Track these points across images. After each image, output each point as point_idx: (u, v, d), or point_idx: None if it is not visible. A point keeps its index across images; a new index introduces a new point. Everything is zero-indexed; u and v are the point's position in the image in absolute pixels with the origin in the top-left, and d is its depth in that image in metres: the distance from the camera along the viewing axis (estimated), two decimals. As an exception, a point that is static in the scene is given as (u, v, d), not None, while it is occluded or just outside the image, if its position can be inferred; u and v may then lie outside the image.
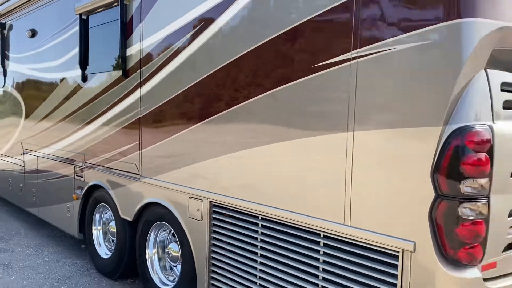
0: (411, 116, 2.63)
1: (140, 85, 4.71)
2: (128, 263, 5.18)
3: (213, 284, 4.03)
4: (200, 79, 3.97)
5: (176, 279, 4.53)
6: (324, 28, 3.07)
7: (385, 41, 2.74)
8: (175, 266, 4.62)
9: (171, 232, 4.58)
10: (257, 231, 3.61)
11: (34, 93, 7.15)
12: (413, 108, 2.63)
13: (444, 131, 2.52)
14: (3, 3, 7.84)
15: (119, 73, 5.00)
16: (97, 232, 5.76)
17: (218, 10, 3.78)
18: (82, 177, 5.79)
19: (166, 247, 4.73)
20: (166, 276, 4.75)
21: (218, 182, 3.87)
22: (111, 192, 5.23)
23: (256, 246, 3.63)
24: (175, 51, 4.23)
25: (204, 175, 4.00)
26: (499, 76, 2.66)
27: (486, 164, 2.53)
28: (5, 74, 8.09)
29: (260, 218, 3.57)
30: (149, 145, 4.63)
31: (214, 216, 3.98)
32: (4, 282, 5.20)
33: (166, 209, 4.42)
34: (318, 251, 3.18)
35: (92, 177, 5.60)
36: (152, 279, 4.77)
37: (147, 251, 4.83)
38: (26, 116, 7.32)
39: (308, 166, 3.17)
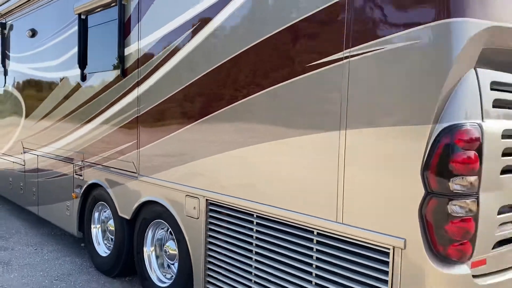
0: (402, 114, 2.67)
1: (138, 84, 4.75)
2: (126, 261, 5.22)
3: (209, 281, 4.07)
4: (195, 79, 4.02)
5: (174, 276, 4.57)
6: (317, 28, 3.10)
7: (376, 41, 2.77)
8: (173, 264, 4.66)
9: (169, 230, 4.62)
10: (252, 229, 3.65)
11: (34, 92, 7.19)
12: (403, 107, 2.67)
13: (434, 130, 2.55)
14: (3, 3, 7.89)
15: (117, 72, 5.04)
16: (96, 231, 5.80)
17: (213, 10, 3.82)
18: (81, 175, 5.84)
19: (163, 245, 4.76)
20: (164, 274, 4.79)
21: (214, 181, 3.91)
22: (109, 190, 5.27)
23: (251, 243, 3.67)
24: (172, 50, 4.27)
25: (200, 173, 4.03)
26: (489, 75, 2.70)
27: (475, 162, 2.56)
28: (5, 73, 8.15)
29: (255, 216, 3.61)
30: (147, 144, 4.67)
31: (210, 214, 4.02)
32: (4, 280, 5.24)
33: (164, 207, 4.46)
34: (311, 249, 3.21)
35: (91, 176, 5.64)
36: (150, 277, 4.81)
37: (145, 249, 4.87)
38: (26, 115, 7.37)
39: (301, 165, 3.21)
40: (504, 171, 2.74)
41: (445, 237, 2.57)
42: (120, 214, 5.11)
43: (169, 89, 4.33)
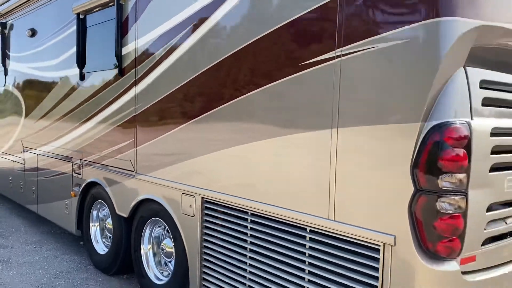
0: (392, 113, 2.70)
1: (135, 83, 4.79)
2: (124, 259, 5.26)
3: (204, 278, 4.11)
4: (189, 78, 4.06)
5: (170, 274, 4.61)
6: (310, 27, 3.13)
7: (367, 40, 2.80)
8: (170, 262, 4.69)
9: (166, 228, 4.66)
10: (246, 226, 3.68)
11: (33, 91, 7.24)
12: (394, 105, 2.69)
13: (423, 128, 2.59)
14: (3, 3, 7.94)
15: (115, 71, 5.08)
16: (94, 229, 5.84)
17: (208, 10, 3.86)
18: (79, 174, 5.88)
19: (160, 243, 4.80)
20: (161, 271, 4.82)
21: (209, 179, 3.94)
22: (107, 189, 5.31)
23: (245, 241, 3.70)
24: (168, 49, 4.31)
25: (196, 172, 4.07)
26: (478, 74, 2.73)
27: (464, 160, 2.59)
28: (6, 73, 8.20)
29: (249, 213, 3.64)
30: (144, 143, 4.70)
31: (206, 212, 4.05)
32: (3, 277, 5.29)
33: (160, 205, 4.50)
34: (304, 245, 3.25)
35: (89, 174, 5.68)
36: (147, 275, 4.85)
37: (142, 247, 4.91)
38: (26, 115, 7.42)
39: (295, 163, 3.24)
40: (493, 168, 2.77)
41: (434, 233, 2.60)
42: (118, 212, 5.15)
43: (165, 88, 4.37)
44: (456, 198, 2.59)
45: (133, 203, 4.86)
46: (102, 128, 5.35)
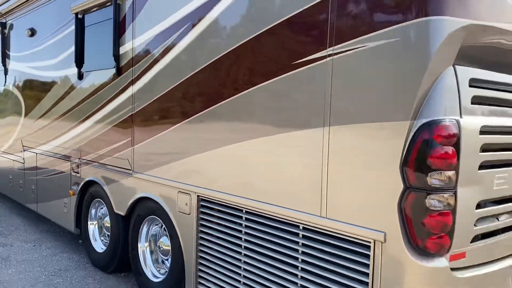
0: (382, 111, 2.73)
1: (132, 82, 4.83)
2: (121, 257, 5.29)
3: (200, 276, 4.14)
4: (184, 78, 4.10)
5: (167, 271, 4.64)
6: (302, 27, 3.16)
7: (358, 39, 2.83)
8: (166, 260, 4.73)
9: (163, 226, 4.69)
10: (241, 224, 3.72)
11: (33, 91, 7.28)
12: (384, 103, 2.73)
13: (413, 126, 2.62)
14: (3, 3, 7.98)
15: (112, 71, 5.11)
16: (92, 227, 5.88)
17: (203, 10, 3.89)
18: (78, 173, 5.92)
19: (157, 241, 4.84)
20: (158, 269, 4.86)
21: (204, 177, 3.98)
22: (105, 187, 5.35)
23: (240, 238, 3.73)
24: (164, 49, 4.35)
25: (192, 170, 4.11)
26: (468, 72, 2.75)
27: (452, 157, 2.62)
28: (6, 72, 8.24)
29: (244, 211, 3.68)
30: (141, 142, 4.74)
31: (201, 210, 4.09)
32: (1, 275, 5.33)
33: (157, 203, 4.54)
34: (297, 243, 3.28)
35: (87, 173, 5.72)
36: (144, 272, 4.89)
37: (139, 245, 4.95)
38: (26, 114, 7.46)
39: (288, 161, 3.27)
40: (482, 166, 2.80)
41: (423, 230, 2.63)
42: (115, 210, 5.19)
43: (160, 88, 4.41)
44: (445, 195, 2.62)
45: (131, 201, 4.90)
46: (100, 127, 5.39)
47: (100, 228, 5.81)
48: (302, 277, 3.25)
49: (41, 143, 6.86)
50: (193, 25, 4.01)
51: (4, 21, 8.16)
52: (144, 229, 4.92)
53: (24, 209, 8.31)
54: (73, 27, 5.80)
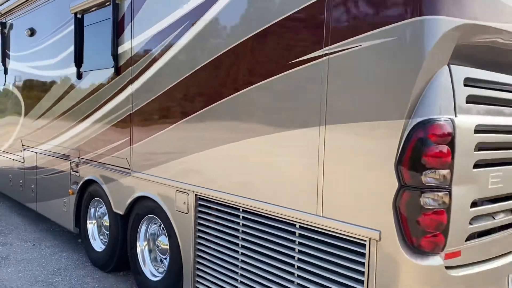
0: (378, 110, 2.74)
1: (131, 82, 4.85)
2: (120, 256, 5.31)
3: (198, 275, 4.16)
4: (182, 77, 4.11)
5: (165, 270, 4.66)
6: (298, 27, 3.18)
7: (353, 38, 2.85)
8: (165, 258, 4.74)
9: (161, 225, 4.71)
10: (238, 223, 3.73)
11: (32, 90, 7.31)
12: (379, 102, 2.74)
13: (408, 125, 2.63)
14: (3, 3, 8.01)
15: (111, 70, 5.13)
16: (92, 226, 5.90)
17: (200, 10, 3.91)
18: (77, 172, 5.94)
19: (156, 240, 4.86)
20: (156, 268, 4.88)
21: (202, 176, 3.99)
22: (104, 186, 5.37)
23: (237, 237, 3.75)
24: (162, 49, 4.36)
25: (190, 169, 4.12)
26: (463, 72, 2.77)
27: (447, 156, 2.63)
28: (5, 72, 8.26)
29: (241, 210, 3.69)
30: (140, 141, 4.76)
31: (199, 209, 4.10)
32: (1, 274, 5.35)
33: (155, 202, 4.55)
34: (294, 241, 3.29)
35: (87, 172, 5.74)
36: (143, 271, 4.90)
37: (138, 244, 4.97)
38: (26, 113, 7.48)
39: (285, 160, 3.29)
40: (477, 165, 2.81)
41: (418, 228, 2.64)
42: (114, 209, 5.20)
43: (159, 87, 4.42)
44: (439, 193, 2.63)
45: (129, 200, 4.91)
46: (99, 127, 5.40)
47: (99, 227, 5.83)
48: (298, 276, 3.27)
49: (40, 142, 6.88)
50: (191, 25, 4.03)
51: (4, 21, 8.18)
52: (142, 228, 4.94)
53: (24, 209, 8.34)
54: (72, 26, 5.82)
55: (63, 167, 6.28)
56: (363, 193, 2.82)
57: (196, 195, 4.09)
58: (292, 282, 3.30)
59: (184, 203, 4.20)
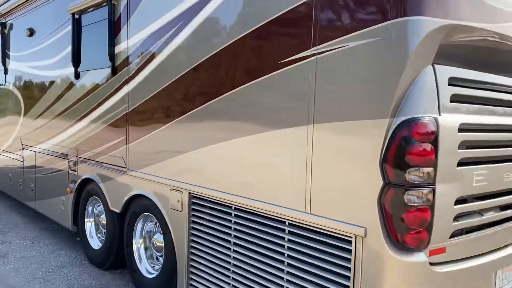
0: (363, 109, 2.79)
1: (127, 82, 4.91)
2: (117, 253, 5.37)
3: (192, 272, 4.21)
4: (176, 77, 4.17)
5: (160, 267, 4.72)
6: (287, 27, 3.23)
7: (340, 39, 2.90)
8: (160, 256, 4.80)
9: (157, 223, 4.77)
10: (230, 220, 3.79)
11: (32, 90, 7.38)
12: (365, 101, 2.79)
13: (392, 123, 2.68)
14: (3, 3, 8.08)
15: (108, 70, 5.19)
16: (89, 224, 5.96)
17: (193, 11, 3.97)
18: (75, 171, 6.00)
19: (152, 238, 4.91)
20: (152, 265, 4.93)
21: (196, 175, 4.05)
22: (101, 185, 5.43)
23: (229, 234, 3.80)
24: (157, 49, 4.42)
25: (184, 167, 4.18)
26: (447, 71, 2.82)
27: (431, 154, 2.68)
28: (5, 72, 8.34)
29: (233, 208, 3.75)
30: (135, 140, 4.82)
31: (193, 207, 4.16)
32: (-1, 271, 5.43)
33: (151, 200, 4.61)
34: (283, 238, 3.35)
35: (84, 171, 5.80)
36: (139, 269, 4.96)
37: (134, 242, 5.03)
38: (25, 113, 7.55)
39: (275, 158, 3.34)
40: (461, 163, 2.86)
41: (402, 225, 2.69)
42: (111, 208, 5.27)
43: (154, 87, 4.48)
44: (423, 191, 2.68)
45: (125, 198, 4.97)
46: (96, 126, 5.47)
47: (97, 225, 5.89)
48: (288, 272, 3.32)
49: (39, 141, 6.95)
50: (185, 26, 4.08)
51: (4, 21, 8.25)
52: (138, 226, 5.00)
53: (23, 207, 8.41)
54: (70, 27, 5.89)
55: (61, 166, 6.35)
56: (350, 190, 2.88)
57: (189, 193, 4.14)
58: (282, 278, 3.36)
59: (178, 201, 4.26)
